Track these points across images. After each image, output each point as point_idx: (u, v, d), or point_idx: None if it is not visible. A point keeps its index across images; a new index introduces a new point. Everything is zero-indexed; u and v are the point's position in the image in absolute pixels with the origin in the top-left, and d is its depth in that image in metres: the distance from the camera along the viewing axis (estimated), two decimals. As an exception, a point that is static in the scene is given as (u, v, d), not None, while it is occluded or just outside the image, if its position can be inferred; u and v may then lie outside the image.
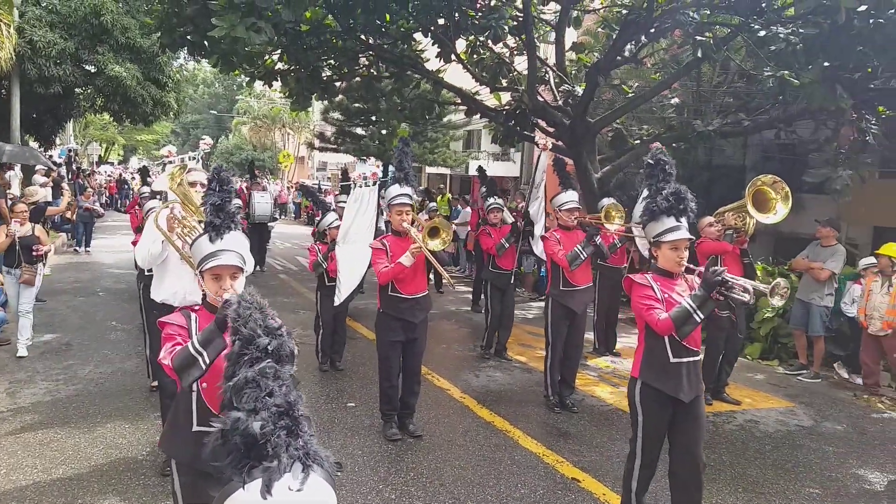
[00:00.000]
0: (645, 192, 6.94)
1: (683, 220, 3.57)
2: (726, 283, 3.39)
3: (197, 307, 2.77)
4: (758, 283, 3.49)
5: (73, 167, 27.86)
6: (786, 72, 7.75)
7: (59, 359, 7.15)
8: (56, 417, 5.51)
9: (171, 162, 5.86)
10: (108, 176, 34.53)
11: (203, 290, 2.75)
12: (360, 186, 5.66)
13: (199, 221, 3.80)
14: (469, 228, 13.45)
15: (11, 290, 7.43)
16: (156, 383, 5.62)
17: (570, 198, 6.21)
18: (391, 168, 25.00)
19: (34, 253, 7.30)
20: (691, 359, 3.62)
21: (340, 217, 7.48)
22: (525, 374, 7.33)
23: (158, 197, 6.30)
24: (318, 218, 7.63)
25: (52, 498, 4.18)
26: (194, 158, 5.17)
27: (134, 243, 6.72)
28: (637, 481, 3.75)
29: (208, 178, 2.79)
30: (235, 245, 2.71)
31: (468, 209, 15.00)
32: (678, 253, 3.57)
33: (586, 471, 4.82)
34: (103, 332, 8.35)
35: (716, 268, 3.40)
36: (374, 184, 5.64)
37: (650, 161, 3.78)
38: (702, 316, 3.38)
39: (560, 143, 11.11)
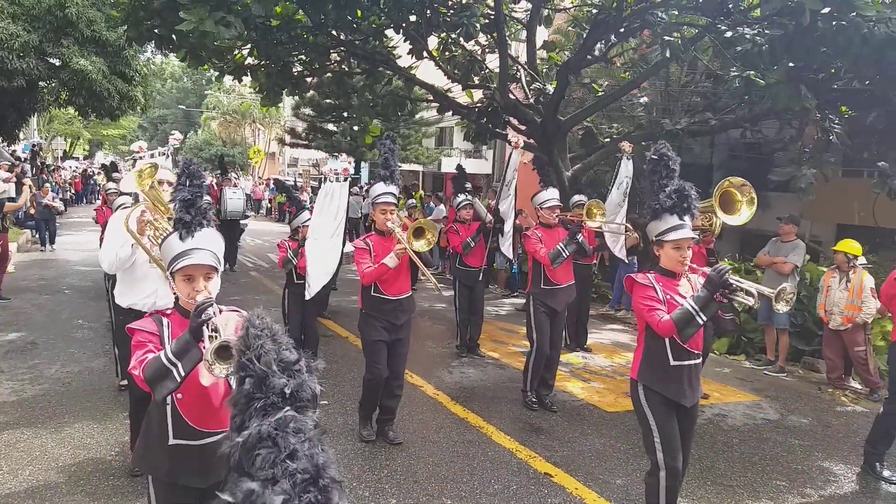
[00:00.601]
0: (613, 190, 7.00)
1: (687, 218, 3.47)
2: (730, 286, 3.28)
3: (169, 311, 2.59)
4: (763, 287, 3.42)
5: (38, 162, 27.27)
6: (752, 72, 7.90)
7: (24, 358, 7.00)
8: (22, 418, 5.40)
9: (141, 157, 5.73)
10: (73, 171, 33.86)
11: (175, 293, 2.57)
12: (331, 181, 5.57)
13: (170, 219, 3.70)
14: (442, 225, 13.47)
15: None
16: (125, 382, 5.53)
17: (551, 195, 6.15)
18: (363, 164, 24.95)
19: None
20: (692, 362, 3.52)
21: None
22: (498, 371, 7.38)
23: (130, 196, 6.16)
24: (293, 215, 7.54)
25: (20, 500, 4.10)
26: (164, 154, 5.06)
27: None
28: (665, 496, 3.54)
29: (178, 171, 2.60)
30: (208, 243, 2.52)
31: (441, 206, 15.02)
32: (681, 252, 3.46)
33: (558, 466, 4.88)
34: (69, 331, 8.20)
35: (721, 267, 3.30)
36: (346, 179, 5.57)
37: (653, 156, 3.62)
38: (704, 318, 3.28)
39: (531, 140, 11.19)
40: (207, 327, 2.21)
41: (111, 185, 7.15)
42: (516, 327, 9.48)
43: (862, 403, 6.91)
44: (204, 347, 2.20)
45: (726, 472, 4.97)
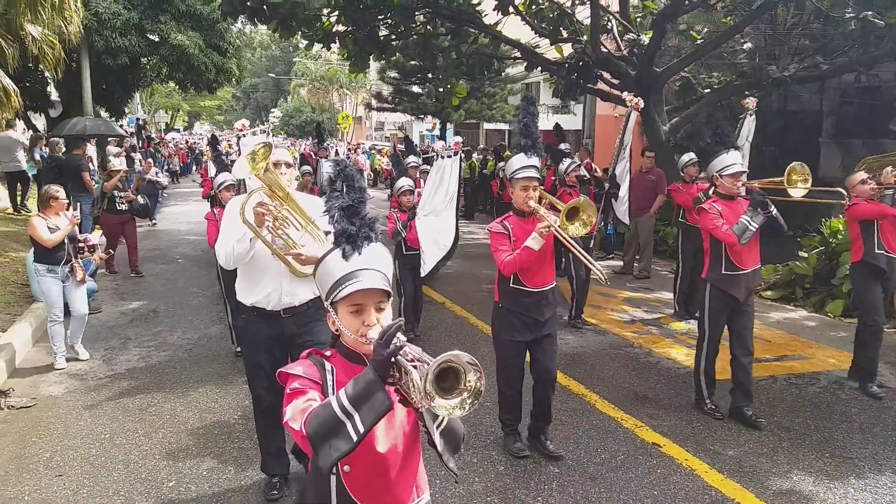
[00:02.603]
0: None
1: None
2: None
3: (329, 353, 2.00)
4: None
5: (144, 136, 28.75)
6: (869, 13, 7.32)
7: (148, 326, 7.51)
8: (151, 383, 5.82)
9: (244, 136, 5.88)
10: (176, 143, 35.41)
11: (336, 330, 1.96)
12: (443, 157, 5.51)
13: (304, 226, 3.50)
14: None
15: (53, 292, 6.10)
16: (240, 349, 5.80)
17: (735, 160, 5.00)
18: (448, 126, 24.86)
19: (81, 245, 6.51)
20: None
21: (414, 181, 7.45)
22: (598, 337, 7.31)
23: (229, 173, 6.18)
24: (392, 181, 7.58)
25: (155, 461, 4.43)
26: (265, 131, 5.19)
27: (208, 218, 6.75)
28: None
29: (331, 175, 2.11)
30: (377, 262, 1.94)
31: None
32: None
33: (666, 436, 4.81)
34: (186, 299, 8.72)
35: None
36: (456, 154, 5.49)
37: None
38: None
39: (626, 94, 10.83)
40: (404, 356, 1.65)
41: (222, 176, 6.75)
42: (614, 291, 9.34)
43: None
44: (398, 386, 1.67)
45: (845, 444, 4.75)
